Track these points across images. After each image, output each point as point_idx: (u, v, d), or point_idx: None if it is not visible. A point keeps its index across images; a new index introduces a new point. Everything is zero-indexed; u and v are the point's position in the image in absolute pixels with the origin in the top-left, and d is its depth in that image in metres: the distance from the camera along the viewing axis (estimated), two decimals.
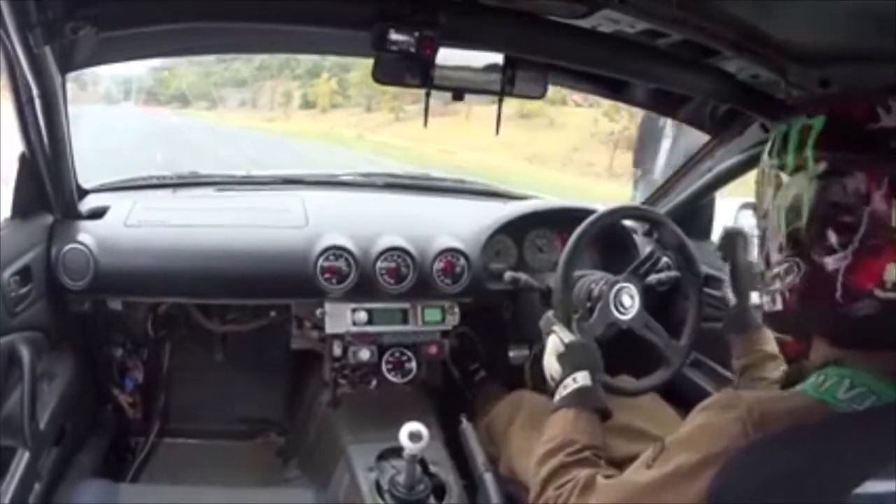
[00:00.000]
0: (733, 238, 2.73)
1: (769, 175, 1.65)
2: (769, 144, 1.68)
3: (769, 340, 2.48)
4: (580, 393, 2.10)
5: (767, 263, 1.64)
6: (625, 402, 2.77)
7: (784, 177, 1.58)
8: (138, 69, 37.65)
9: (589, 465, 1.88)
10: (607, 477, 1.75)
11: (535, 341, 3.45)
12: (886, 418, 1.41)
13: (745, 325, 2.58)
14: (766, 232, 1.66)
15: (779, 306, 1.60)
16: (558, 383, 2.16)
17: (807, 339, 1.67)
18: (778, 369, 2.37)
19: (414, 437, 2.42)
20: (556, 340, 2.29)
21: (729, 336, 2.65)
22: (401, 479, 2.65)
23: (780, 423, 1.42)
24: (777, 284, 1.59)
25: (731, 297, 2.68)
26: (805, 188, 1.52)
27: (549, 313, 2.46)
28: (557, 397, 2.12)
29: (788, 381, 1.67)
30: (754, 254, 2.67)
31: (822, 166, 1.50)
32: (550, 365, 2.26)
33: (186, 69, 35.73)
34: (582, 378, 2.13)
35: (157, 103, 37.57)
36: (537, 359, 3.29)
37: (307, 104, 38.49)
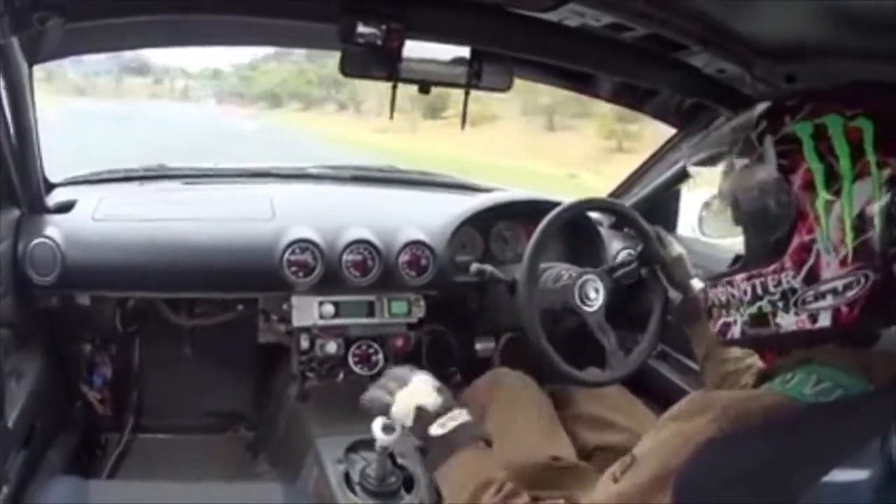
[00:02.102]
0: (650, 242, 2.77)
1: (812, 184, 1.51)
2: (799, 148, 1.54)
3: None
4: (471, 428, 2.00)
5: (812, 279, 1.51)
6: (592, 393, 2.80)
7: (844, 184, 1.47)
8: (224, 65, 38.14)
9: (517, 496, 1.82)
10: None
11: (501, 332, 3.47)
12: (852, 409, 1.43)
13: (695, 311, 2.60)
14: (797, 246, 1.53)
15: (825, 323, 1.50)
16: (439, 413, 2.02)
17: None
18: (739, 351, 2.38)
19: (387, 429, 2.41)
20: (428, 378, 2.15)
21: (684, 328, 2.67)
22: (371, 471, 2.65)
23: (751, 420, 1.43)
24: (828, 300, 1.49)
25: (674, 295, 2.70)
26: (875, 195, 1.45)
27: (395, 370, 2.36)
28: (441, 429, 1.98)
29: (759, 380, 1.67)
30: (674, 248, 2.72)
31: (887, 172, 1.45)
32: (423, 394, 2.09)
33: (278, 65, 34.86)
34: (466, 414, 2.02)
35: (240, 103, 36.37)
36: (505, 351, 3.32)
37: (433, 111, 27.12)
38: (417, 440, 2.09)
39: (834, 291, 1.47)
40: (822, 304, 1.49)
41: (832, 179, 1.47)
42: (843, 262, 1.46)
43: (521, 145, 24.74)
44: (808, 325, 1.51)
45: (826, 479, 1.26)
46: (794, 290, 1.53)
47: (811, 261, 1.50)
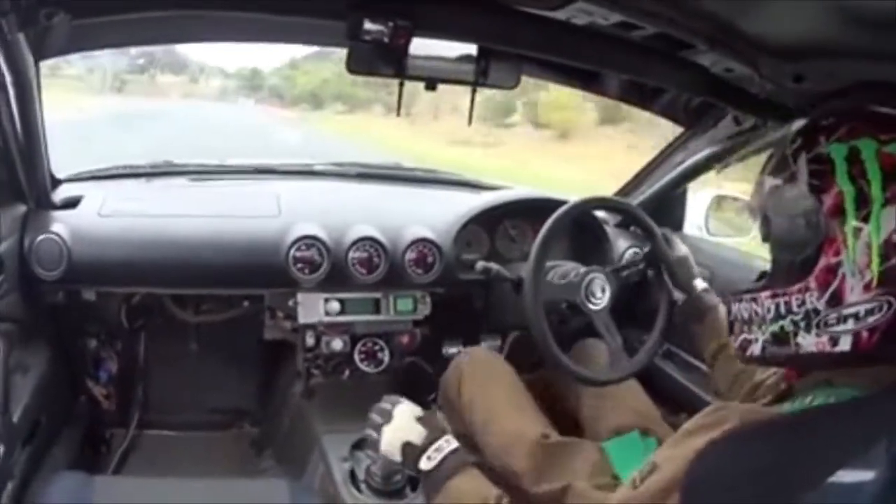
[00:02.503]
0: (656, 241, 2.78)
1: (842, 207, 1.46)
2: (832, 169, 1.49)
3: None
4: (459, 455, 2.02)
5: (836, 302, 1.47)
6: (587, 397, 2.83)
7: (874, 209, 1.42)
8: (263, 64, 36.19)
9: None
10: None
11: (507, 331, 3.47)
12: (858, 411, 1.42)
13: (700, 312, 2.60)
14: (824, 267, 1.48)
15: (844, 347, 1.46)
16: (426, 446, 2.05)
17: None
18: None
19: None
20: (408, 408, 2.19)
21: (690, 327, 2.67)
22: (376, 469, 2.66)
23: (758, 425, 1.42)
24: (849, 325, 1.45)
25: (678, 295, 2.69)
26: None
27: (386, 397, 2.38)
28: (430, 462, 2.01)
29: (777, 399, 1.66)
30: (679, 248, 2.71)
31: None
32: (409, 431, 2.12)
33: (319, 65, 33.97)
34: (452, 440, 2.06)
35: (280, 104, 35.42)
36: (512, 350, 3.32)
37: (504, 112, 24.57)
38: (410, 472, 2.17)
39: (856, 316, 1.44)
40: (843, 327, 1.46)
41: (862, 203, 1.43)
42: (867, 287, 1.43)
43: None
44: (828, 348, 1.48)
45: (832, 479, 1.26)
46: (817, 312, 1.49)
47: (836, 283, 1.47)
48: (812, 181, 1.50)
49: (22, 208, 2.99)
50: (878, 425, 1.34)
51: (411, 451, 2.06)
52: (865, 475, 1.27)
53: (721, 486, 1.38)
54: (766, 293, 1.59)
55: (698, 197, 3.62)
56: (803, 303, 1.50)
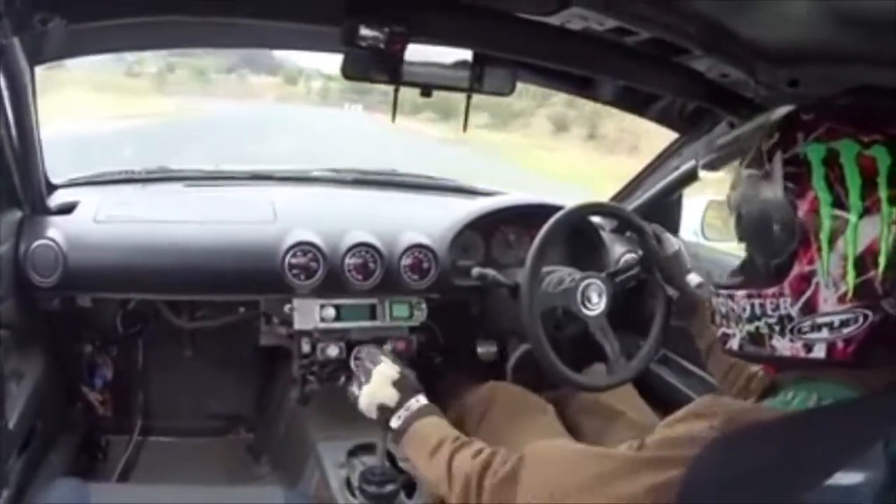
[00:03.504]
0: (650, 246, 2.77)
1: (818, 214, 1.42)
2: (808, 173, 1.44)
3: None
4: (426, 408, 2.12)
5: (809, 310, 1.45)
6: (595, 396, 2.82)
7: (851, 219, 1.38)
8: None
9: (477, 443, 1.90)
10: None
11: (504, 337, 3.47)
12: (854, 413, 1.42)
13: (694, 305, 2.59)
14: (797, 275, 1.46)
15: (819, 354, 1.46)
16: (397, 408, 2.14)
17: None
18: None
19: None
20: (387, 369, 2.27)
21: (685, 324, 2.67)
22: (371, 475, 2.66)
23: (754, 426, 1.41)
24: (824, 333, 1.44)
25: (672, 292, 2.69)
26: (882, 234, 1.38)
27: (368, 346, 2.44)
28: (399, 421, 2.11)
29: (762, 395, 1.66)
30: (671, 245, 2.70)
31: None
32: (382, 393, 2.21)
33: None
34: (423, 399, 2.15)
35: (402, 111, 32.91)
36: (520, 359, 3.32)
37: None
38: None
39: (830, 326, 1.43)
40: (817, 335, 1.45)
41: (839, 212, 1.40)
42: (841, 299, 1.41)
43: None
44: (803, 354, 1.48)
45: (829, 482, 1.26)
46: (790, 318, 1.48)
47: (809, 292, 1.45)
48: (787, 183, 1.46)
49: (17, 214, 2.98)
50: (874, 427, 1.34)
51: (383, 413, 2.17)
52: (863, 477, 1.27)
53: (719, 488, 1.38)
54: (742, 292, 1.58)
55: (694, 202, 3.63)
56: (777, 307, 1.49)
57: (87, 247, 3.01)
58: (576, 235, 3.43)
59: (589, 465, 1.58)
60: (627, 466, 1.50)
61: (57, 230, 3.00)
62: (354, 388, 2.29)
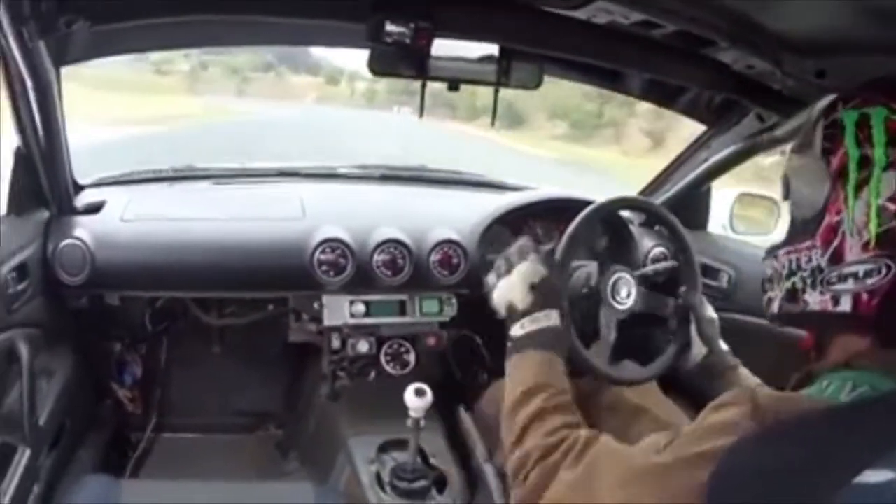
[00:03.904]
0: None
1: (846, 168, 1.50)
2: (841, 133, 1.53)
3: (747, 375, 2.45)
4: (552, 333, 2.08)
5: (837, 260, 1.51)
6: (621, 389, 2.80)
7: (875, 171, 1.46)
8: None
9: (570, 412, 1.89)
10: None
11: None
12: (886, 409, 1.41)
13: (722, 368, 2.57)
14: (827, 225, 1.53)
15: (845, 307, 1.50)
16: (525, 313, 2.11)
17: (829, 339, 1.63)
18: None
19: (419, 392, 2.49)
20: (531, 269, 2.22)
21: (703, 382, 2.65)
22: (402, 470, 2.67)
23: (789, 419, 1.41)
24: (849, 284, 1.49)
25: (702, 350, 2.67)
26: None
27: (523, 240, 2.42)
28: (521, 330, 2.09)
29: (798, 386, 1.66)
30: (709, 309, 2.68)
31: None
32: (516, 292, 2.19)
33: None
34: (555, 317, 2.11)
35: (451, 115, 31.33)
36: None
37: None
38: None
39: (855, 276, 1.47)
40: (843, 286, 1.50)
41: (864, 165, 1.46)
42: (865, 247, 1.46)
43: None
44: (830, 307, 1.52)
45: (858, 479, 1.25)
46: (820, 269, 1.54)
47: (837, 242, 1.51)
48: (825, 144, 1.54)
49: (45, 214, 3.00)
50: None
51: (512, 314, 2.15)
52: (891, 475, 1.26)
53: (749, 480, 1.37)
54: (784, 250, 1.65)
55: (722, 194, 3.61)
56: (810, 259, 1.56)
57: (115, 245, 3.03)
58: (605, 230, 3.42)
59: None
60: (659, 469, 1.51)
61: (84, 229, 3.02)
62: (492, 277, 2.31)
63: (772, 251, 1.73)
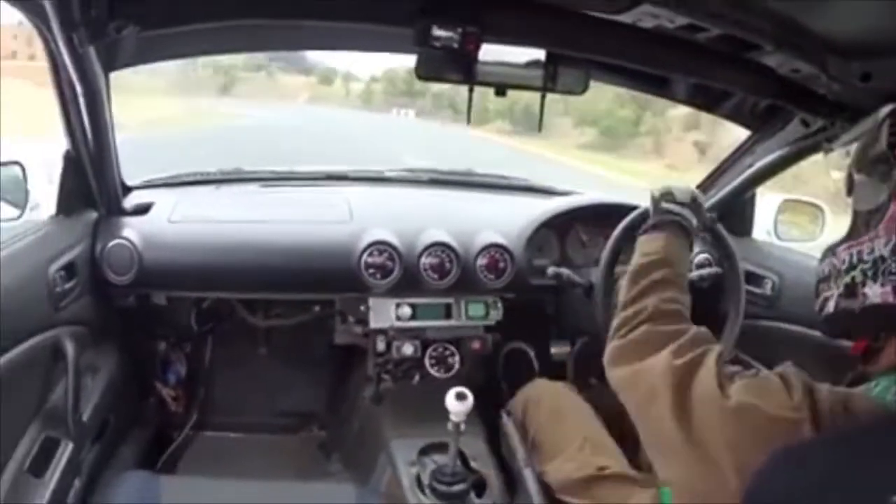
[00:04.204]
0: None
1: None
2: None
3: None
4: (683, 221, 2.25)
5: None
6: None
7: None
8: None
9: (685, 292, 2.02)
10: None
11: (578, 336, 3.45)
12: None
13: None
14: (891, 215, 1.55)
15: None
16: (663, 196, 2.33)
17: (883, 342, 1.62)
18: None
19: (460, 396, 2.49)
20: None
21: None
22: (442, 473, 2.68)
23: (840, 422, 1.43)
24: None
25: None
26: None
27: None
28: (657, 211, 2.30)
29: (853, 382, 1.66)
30: None
31: None
32: (677, 187, 2.40)
33: None
34: (689, 214, 2.29)
35: (453, 117, 28.45)
36: (581, 354, 3.31)
37: None
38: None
39: None
40: None
41: None
42: None
43: None
44: (892, 299, 1.51)
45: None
46: (883, 259, 1.54)
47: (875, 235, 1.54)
48: (891, 139, 1.56)
49: (93, 214, 3.05)
50: None
51: (664, 196, 2.39)
52: None
53: (785, 487, 1.37)
54: (844, 245, 1.66)
55: (766, 200, 3.60)
56: (872, 250, 1.56)
57: (162, 246, 3.08)
58: None
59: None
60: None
61: (132, 230, 3.07)
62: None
63: (831, 249, 1.73)
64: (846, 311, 1.63)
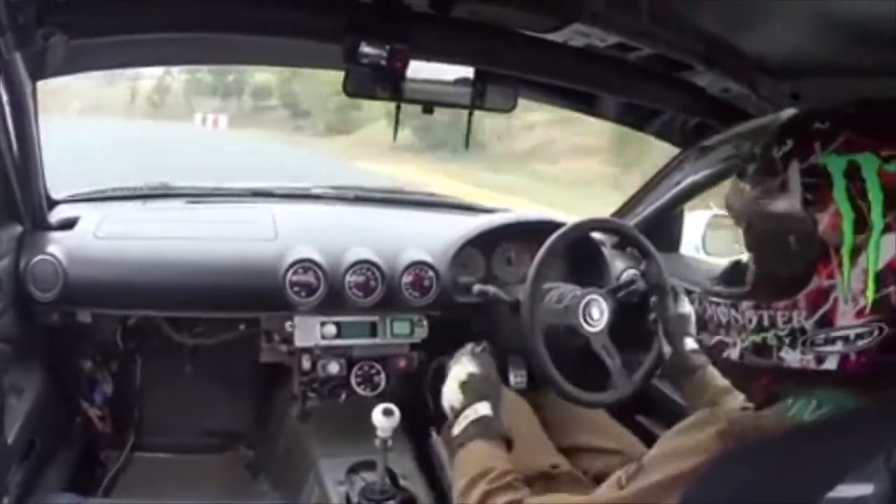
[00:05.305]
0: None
1: (839, 230, 1.37)
2: (828, 185, 1.39)
3: (715, 376, 2.39)
4: (483, 423, 2.15)
5: (825, 323, 1.40)
6: (574, 424, 2.81)
7: (873, 235, 1.34)
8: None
9: (512, 490, 1.88)
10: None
11: (506, 354, 3.45)
12: (856, 425, 1.41)
13: (689, 368, 2.56)
14: (815, 289, 1.41)
15: (830, 366, 1.41)
16: (458, 413, 2.20)
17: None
18: (739, 397, 2.32)
19: (387, 412, 2.49)
20: (459, 370, 2.36)
21: (674, 382, 2.67)
22: (370, 492, 2.66)
23: (756, 437, 1.40)
24: (838, 346, 1.39)
25: (666, 349, 2.67)
26: None
27: (468, 347, 2.52)
28: (457, 429, 2.16)
29: (761, 404, 1.63)
30: (683, 305, 2.70)
31: None
32: (451, 394, 2.30)
33: None
34: (483, 408, 2.18)
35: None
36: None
37: None
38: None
39: (846, 339, 1.38)
40: (831, 348, 1.40)
41: (861, 228, 1.35)
42: (859, 313, 1.37)
43: None
44: (813, 366, 1.43)
45: (831, 494, 1.25)
46: (803, 331, 1.42)
47: (827, 306, 1.39)
48: (806, 195, 1.41)
49: (18, 229, 2.99)
50: (875, 439, 1.33)
51: (451, 415, 2.24)
52: (865, 489, 1.26)
53: (721, 498, 1.37)
54: (749, 303, 1.52)
55: (694, 216, 3.63)
56: (790, 320, 1.44)
57: (88, 262, 3.02)
58: (577, 252, 3.43)
59: None
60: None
61: (57, 245, 3.01)
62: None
63: (724, 298, 1.60)
64: (754, 363, 1.54)
